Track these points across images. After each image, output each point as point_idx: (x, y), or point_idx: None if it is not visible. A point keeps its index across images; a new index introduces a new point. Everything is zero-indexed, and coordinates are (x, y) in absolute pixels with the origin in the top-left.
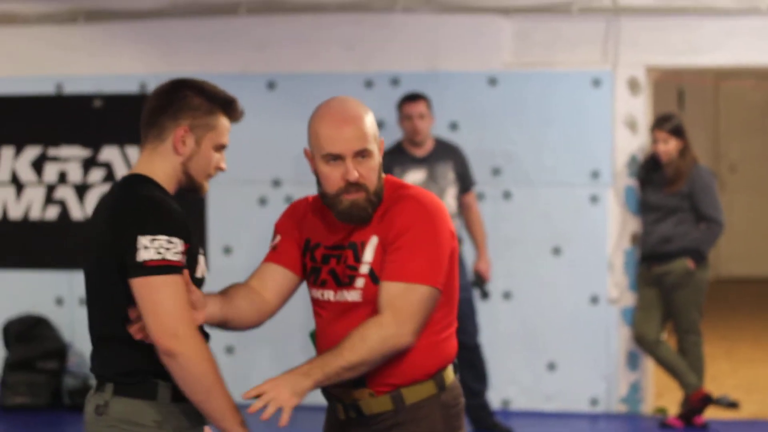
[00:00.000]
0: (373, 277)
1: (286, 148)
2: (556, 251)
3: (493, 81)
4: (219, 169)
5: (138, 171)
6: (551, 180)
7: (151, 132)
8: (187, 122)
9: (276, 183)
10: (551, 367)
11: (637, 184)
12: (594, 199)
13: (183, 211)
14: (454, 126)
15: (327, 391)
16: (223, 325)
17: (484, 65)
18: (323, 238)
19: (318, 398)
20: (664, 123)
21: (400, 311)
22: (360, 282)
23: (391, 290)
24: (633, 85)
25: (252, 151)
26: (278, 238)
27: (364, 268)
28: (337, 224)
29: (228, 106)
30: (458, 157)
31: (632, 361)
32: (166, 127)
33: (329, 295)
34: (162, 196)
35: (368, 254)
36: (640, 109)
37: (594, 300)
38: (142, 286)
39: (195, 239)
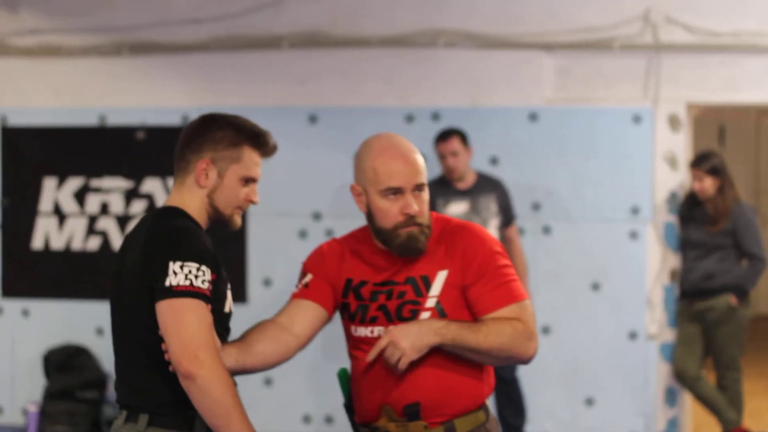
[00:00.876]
0: (440, 311)
1: (326, 181)
2: (596, 286)
3: (533, 116)
4: (250, 202)
5: (170, 203)
6: (591, 215)
7: (180, 165)
8: (209, 155)
9: (316, 216)
10: (589, 402)
11: (677, 221)
12: (633, 234)
13: (212, 245)
14: (494, 161)
15: (371, 426)
16: (240, 373)
17: (525, 101)
18: (370, 276)
19: None
20: (701, 162)
21: (527, 323)
22: (425, 315)
23: (512, 311)
24: (673, 122)
25: (292, 184)
26: (309, 276)
27: (431, 302)
28: (385, 260)
29: (255, 139)
30: (501, 190)
31: (670, 397)
32: (191, 160)
33: (379, 331)
34: (194, 227)
35: (435, 288)
36: (681, 145)
37: (633, 336)
38: (167, 309)
39: (224, 273)
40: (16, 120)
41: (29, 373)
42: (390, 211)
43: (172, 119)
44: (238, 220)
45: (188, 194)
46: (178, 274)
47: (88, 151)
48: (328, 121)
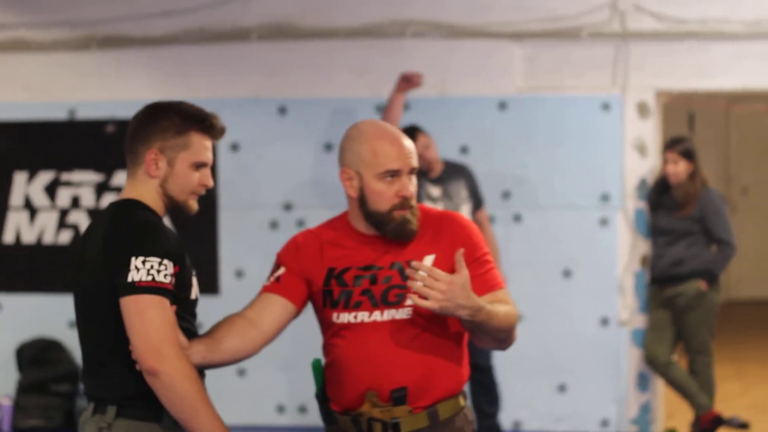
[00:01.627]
0: None
1: (297, 172)
2: (567, 274)
3: (503, 105)
4: (204, 186)
5: (126, 196)
6: (561, 203)
7: (130, 158)
8: (157, 144)
9: (287, 207)
10: (562, 388)
11: (647, 207)
12: (604, 221)
13: (175, 234)
14: (464, 150)
15: (355, 412)
16: (207, 367)
17: (494, 90)
18: (352, 262)
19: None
20: (675, 144)
21: (514, 308)
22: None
23: (501, 296)
24: (642, 109)
25: (263, 175)
26: (282, 270)
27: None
28: (368, 246)
29: (202, 124)
30: (468, 175)
31: (643, 383)
32: (140, 152)
33: (363, 316)
34: (154, 219)
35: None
36: (650, 132)
37: (604, 322)
38: (130, 305)
39: (187, 262)
40: None
41: (2, 366)
42: (386, 194)
43: None
44: (194, 205)
45: (141, 185)
46: (140, 269)
47: (58, 145)
48: (298, 113)
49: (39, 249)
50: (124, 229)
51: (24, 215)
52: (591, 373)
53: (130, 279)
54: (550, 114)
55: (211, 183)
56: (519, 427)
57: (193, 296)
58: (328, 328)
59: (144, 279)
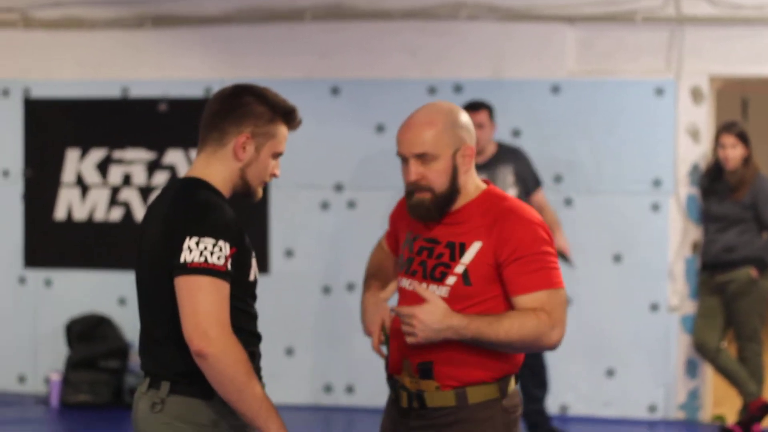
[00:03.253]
0: (465, 278)
1: (348, 153)
2: (617, 258)
3: (556, 89)
4: (273, 175)
5: (195, 174)
6: (613, 188)
7: (212, 135)
8: (249, 129)
9: (338, 188)
10: (610, 373)
11: (699, 193)
12: (655, 207)
13: (235, 215)
14: (516, 133)
15: (393, 378)
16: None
17: (548, 73)
18: (422, 232)
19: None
20: (731, 127)
21: (552, 314)
22: (451, 280)
23: (539, 298)
24: (696, 94)
25: (315, 155)
26: (389, 227)
27: (459, 268)
28: (444, 222)
29: (289, 116)
30: (519, 159)
31: (691, 369)
32: (228, 132)
33: (415, 285)
34: (216, 199)
35: (468, 256)
36: (703, 118)
37: (654, 307)
38: (181, 286)
39: (247, 244)
40: (40, 92)
41: (52, 342)
42: (403, 175)
43: (195, 91)
44: (260, 193)
45: (218, 165)
46: (194, 250)
47: (110, 123)
48: (351, 94)
49: (90, 226)
50: (183, 208)
51: (76, 192)
52: (640, 358)
53: (183, 260)
54: (603, 98)
55: (279, 173)
56: (566, 411)
57: (251, 278)
58: (398, 287)
59: (196, 260)
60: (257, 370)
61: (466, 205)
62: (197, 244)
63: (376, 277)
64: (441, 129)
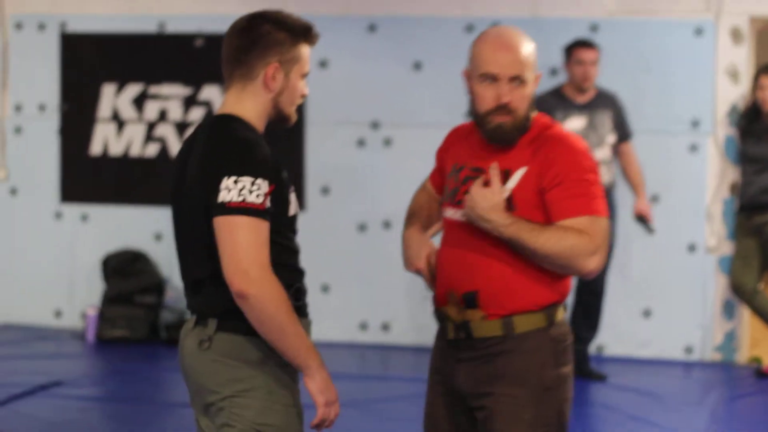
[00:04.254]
0: (510, 204)
1: (385, 90)
2: (655, 199)
3: (594, 28)
4: (303, 96)
5: (228, 111)
6: (651, 128)
7: (238, 71)
8: (276, 58)
9: (374, 125)
10: (647, 314)
11: (737, 134)
12: (693, 147)
13: (273, 151)
14: (554, 72)
15: (440, 310)
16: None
17: (586, 12)
18: (468, 160)
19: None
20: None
21: (593, 238)
22: None
23: (581, 222)
24: (736, 35)
25: (351, 92)
26: (436, 165)
27: (504, 194)
28: (483, 148)
29: (308, 34)
30: (616, 105)
31: (728, 310)
32: (255, 66)
33: (458, 214)
34: (253, 136)
35: (512, 182)
36: (743, 58)
37: (691, 248)
38: (220, 226)
39: (285, 179)
40: (76, 26)
41: (88, 277)
42: (485, 97)
43: None
44: (295, 116)
45: (251, 99)
46: (232, 190)
47: (146, 58)
48: (387, 31)
49: (126, 161)
50: (220, 146)
51: (112, 127)
52: (676, 299)
53: (221, 199)
54: (642, 38)
55: (307, 92)
56: (602, 351)
57: (291, 213)
58: (443, 219)
59: (235, 200)
60: (304, 306)
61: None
62: (235, 182)
63: (418, 215)
64: (531, 53)
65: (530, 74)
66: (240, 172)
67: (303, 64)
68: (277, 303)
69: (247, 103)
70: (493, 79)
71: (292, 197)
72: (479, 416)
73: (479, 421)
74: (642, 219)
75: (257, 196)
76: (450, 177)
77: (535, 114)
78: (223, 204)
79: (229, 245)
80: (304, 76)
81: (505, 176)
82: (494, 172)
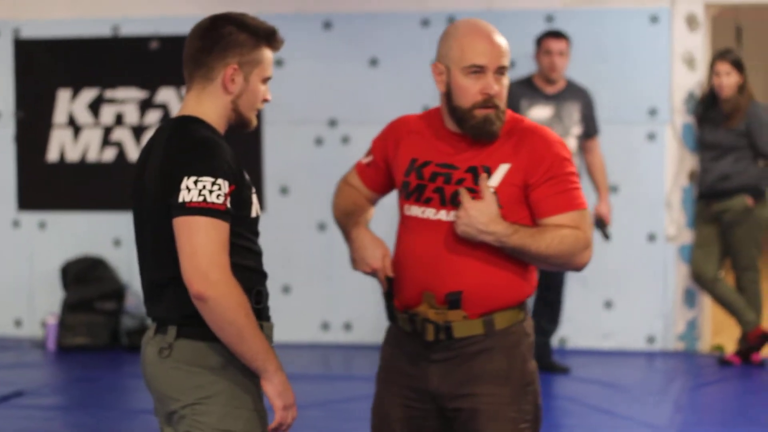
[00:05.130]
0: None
1: (342, 87)
2: (614, 189)
3: (549, 18)
4: (265, 101)
5: (188, 112)
6: (608, 117)
7: (198, 72)
8: (236, 60)
9: (332, 123)
10: (608, 305)
11: (695, 122)
12: (651, 136)
13: (234, 153)
14: (512, 64)
15: (412, 311)
16: None
17: (542, 3)
18: (434, 157)
19: (374, 338)
20: (726, 54)
21: (585, 232)
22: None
23: (573, 217)
24: (691, 22)
25: (308, 91)
26: (370, 158)
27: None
28: (451, 144)
29: (271, 38)
30: (586, 99)
31: (689, 299)
32: (214, 67)
33: (430, 212)
34: (213, 136)
35: (495, 179)
36: (699, 45)
37: (651, 237)
38: (180, 227)
39: (246, 181)
40: (30, 32)
41: (47, 285)
42: (470, 90)
43: (186, 28)
44: (255, 121)
45: (209, 101)
46: (192, 189)
47: (101, 62)
48: (343, 28)
49: (83, 167)
50: (180, 147)
51: (68, 133)
52: (637, 289)
53: (180, 199)
54: (597, 27)
55: (270, 98)
56: (565, 343)
57: (253, 214)
58: (401, 219)
59: (195, 200)
60: (265, 310)
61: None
62: (195, 183)
63: (356, 213)
64: (506, 43)
65: (508, 62)
66: (200, 173)
67: (264, 67)
68: (236, 306)
69: (206, 104)
70: (479, 70)
71: (254, 198)
72: (459, 417)
73: (459, 422)
74: (601, 223)
75: (218, 196)
76: (408, 173)
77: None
78: (183, 204)
79: (188, 246)
80: (265, 80)
81: (486, 173)
82: (483, 184)
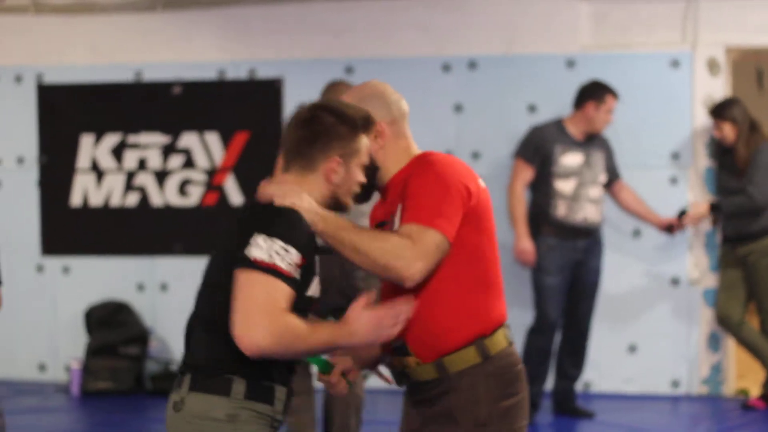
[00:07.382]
0: None
1: None
2: (637, 233)
3: (570, 63)
4: (360, 183)
5: None
6: (631, 162)
7: (298, 161)
8: (338, 152)
9: None
10: (632, 349)
11: (716, 166)
12: (674, 180)
13: (312, 233)
14: (532, 108)
15: (390, 362)
16: None
17: (562, 48)
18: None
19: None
20: (719, 111)
21: (416, 245)
22: None
23: (410, 228)
24: (712, 66)
25: None
26: None
27: None
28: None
29: (368, 126)
30: (608, 148)
31: (713, 343)
32: (316, 159)
33: None
34: (298, 213)
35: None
36: (720, 89)
37: (675, 281)
38: (241, 278)
39: (315, 264)
40: (53, 78)
41: (71, 330)
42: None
43: (208, 74)
44: (352, 204)
45: (308, 187)
46: (262, 247)
47: (124, 107)
48: (365, 72)
49: (106, 212)
50: (265, 209)
51: (91, 178)
52: (661, 333)
53: (249, 254)
54: (618, 72)
55: (364, 180)
56: (588, 388)
57: (310, 293)
58: None
59: (261, 257)
60: (288, 399)
61: (392, 178)
62: (266, 241)
63: None
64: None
65: None
66: (274, 234)
67: (362, 155)
68: (290, 345)
69: (306, 189)
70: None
71: (315, 280)
72: None
73: None
74: (669, 227)
75: (288, 264)
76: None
77: (414, 154)
78: (250, 258)
79: (242, 299)
80: (362, 165)
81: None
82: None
